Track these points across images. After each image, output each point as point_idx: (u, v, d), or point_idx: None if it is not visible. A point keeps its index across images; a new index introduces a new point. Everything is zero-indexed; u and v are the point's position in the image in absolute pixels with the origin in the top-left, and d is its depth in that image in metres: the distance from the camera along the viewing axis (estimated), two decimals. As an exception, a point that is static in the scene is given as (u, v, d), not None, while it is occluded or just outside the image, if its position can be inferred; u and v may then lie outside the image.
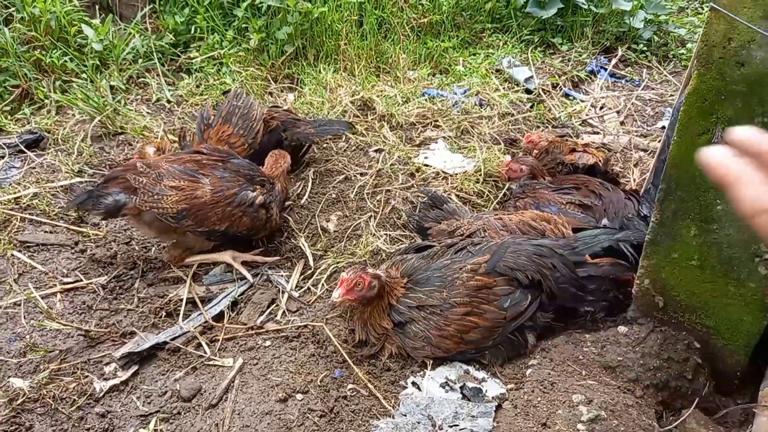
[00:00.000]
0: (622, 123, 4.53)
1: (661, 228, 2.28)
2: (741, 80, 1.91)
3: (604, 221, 2.93)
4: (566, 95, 4.79)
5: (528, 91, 4.65)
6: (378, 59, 4.65)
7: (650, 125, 4.46)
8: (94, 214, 2.81)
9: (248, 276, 2.93)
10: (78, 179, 3.49)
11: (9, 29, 4.03)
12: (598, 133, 4.38)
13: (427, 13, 4.91)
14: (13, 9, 4.18)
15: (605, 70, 5.15)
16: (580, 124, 4.42)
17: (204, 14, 4.56)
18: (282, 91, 4.42)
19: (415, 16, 4.90)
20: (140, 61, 4.44)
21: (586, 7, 5.39)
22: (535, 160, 3.38)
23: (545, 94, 4.67)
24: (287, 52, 4.54)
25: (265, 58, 4.54)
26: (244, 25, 4.65)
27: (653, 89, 4.95)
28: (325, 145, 3.85)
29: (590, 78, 5.07)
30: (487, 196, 3.49)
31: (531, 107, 4.47)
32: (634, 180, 3.72)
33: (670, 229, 2.25)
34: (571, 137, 4.24)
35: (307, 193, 3.46)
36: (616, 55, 5.32)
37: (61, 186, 3.42)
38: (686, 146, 2.11)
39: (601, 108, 4.72)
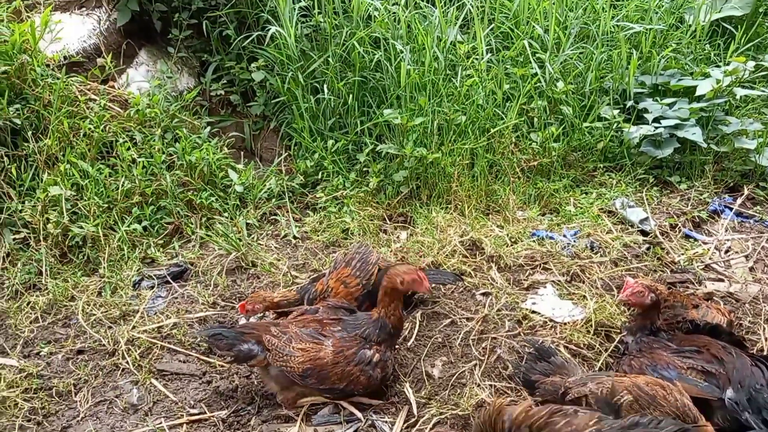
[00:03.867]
0: (751, 269, 4.25)
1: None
2: None
3: (729, 392, 2.72)
4: (686, 236, 4.61)
5: (643, 233, 4.55)
6: (488, 199, 4.84)
7: (785, 273, 4.14)
8: (226, 354, 3.13)
9: (358, 414, 3.07)
10: (212, 311, 3.89)
11: (170, 174, 4.75)
12: (722, 280, 4.13)
13: (537, 156, 5.09)
14: (174, 156, 4.95)
15: (730, 209, 4.93)
16: (702, 269, 4.21)
17: (331, 159, 5.08)
18: (395, 229, 4.71)
19: (525, 159, 5.09)
20: (273, 200, 4.99)
21: (705, 146, 5.30)
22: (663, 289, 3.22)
23: (663, 236, 4.54)
24: (402, 192, 4.89)
25: (381, 198, 4.91)
26: (365, 168, 5.11)
27: (786, 232, 4.63)
28: (433, 285, 3.98)
29: (713, 218, 4.87)
30: (598, 349, 3.38)
31: (647, 250, 4.36)
32: (766, 338, 3.42)
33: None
34: (693, 284, 4.04)
35: (414, 336, 3.56)
36: (742, 193, 5.10)
37: (197, 318, 3.82)
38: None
39: (727, 252, 4.48)
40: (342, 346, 3.05)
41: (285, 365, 3.01)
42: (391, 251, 4.32)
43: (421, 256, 4.22)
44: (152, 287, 4.14)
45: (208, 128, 5.30)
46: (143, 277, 4.21)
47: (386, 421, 3.03)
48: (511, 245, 4.31)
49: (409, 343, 3.50)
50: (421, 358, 3.40)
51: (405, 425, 3.02)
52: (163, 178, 4.72)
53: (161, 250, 4.51)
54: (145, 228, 4.55)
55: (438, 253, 4.23)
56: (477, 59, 5.36)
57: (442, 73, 5.24)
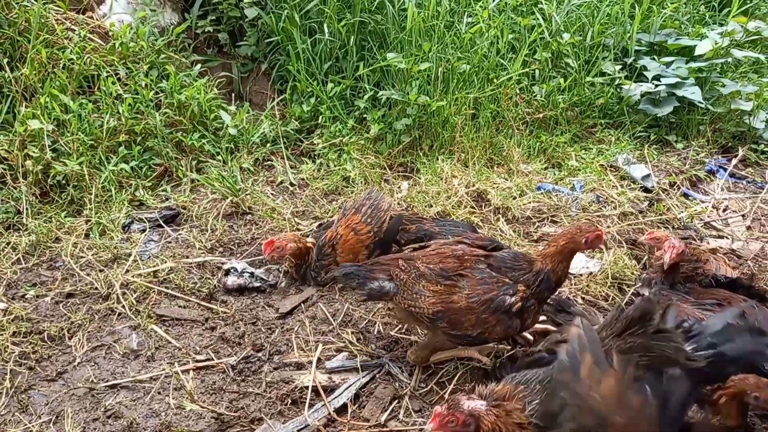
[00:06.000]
0: (748, 228, 4.30)
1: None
2: None
3: (753, 342, 2.72)
4: (685, 195, 4.63)
5: (646, 190, 4.54)
6: (492, 151, 4.73)
7: (782, 232, 4.21)
8: (358, 293, 2.89)
9: (484, 359, 2.92)
10: (210, 257, 3.69)
11: (158, 113, 4.45)
12: (724, 237, 4.17)
13: (542, 109, 4.99)
14: (162, 95, 4.62)
15: (725, 170, 4.97)
16: (703, 227, 4.24)
17: (329, 104, 4.85)
18: (397, 179, 4.56)
19: (528, 111, 4.99)
20: (268, 145, 4.75)
21: (703, 106, 5.30)
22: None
23: (663, 193, 4.55)
24: (404, 141, 4.72)
25: (382, 146, 4.73)
26: (363, 116, 4.90)
27: (781, 193, 4.70)
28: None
29: (709, 178, 4.91)
30: (613, 300, 3.36)
31: (650, 206, 4.35)
32: (773, 294, 3.47)
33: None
34: (695, 240, 4.06)
35: (426, 285, 3.46)
36: (736, 155, 5.15)
37: (195, 262, 3.62)
38: None
39: (725, 210, 4.52)
40: (479, 291, 2.68)
41: (414, 305, 2.72)
42: (395, 201, 4.18)
43: (427, 206, 4.09)
44: (143, 231, 3.89)
45: (198, 66, 4.96)
46: (133, 220, 3.96)
47: (403, 370, 2.94)
48: (518, 197, 4.23)
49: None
50: (435, 306, 3.31)
51: (423, 375, 2.94)
52: (152, 117, 4.42)
53: (150, 192, 4.25)
54: (132, 169, 4.27)
55: (444, 203, 4.11)
56: (482, 6, 5.16)
57: (444, 20, 5.03)
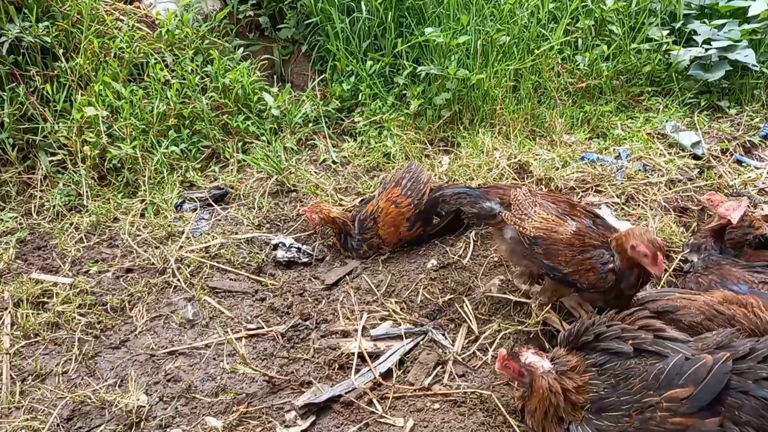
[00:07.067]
0: (806, 193, 4.12)
1: None
2: None
3: (807, 306, 2.64)
4: (738, 162, 4.46)
5: (696, 157, 4.40)
6: (533, 123, 4.68)
7: (840, 197, 4.01)
8: (468, 210, 3.00)
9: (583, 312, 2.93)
10: (258, 233, 3.82)
11: (205, 97, 4.60)
12: (779, 203, 4.01)
13: (585, 78, 4.89)
14: (207, 80, 4.77)
15: (782, 134, 4.76)
16: (757, 193, 4.08)
17: (368, 82, 4.89)
18: (438, 154, 4.58)
19: (571, 81, 4.89)
20: (310, 125, 4.84)
21: (757, 69, 5.07)
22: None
23: (715, 160, 4.40)
24: (444, 116, 4.72)
25: (422, 122, 4.75)
26: (403, 92, 4.92)
27: (841, 156, 4.48)
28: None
29: (764, 143, 4.70)
30: (660, 267, 3.30)
31: (700, 173, 4.22)
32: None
33: None
34: (748, 207, 3.92)
35: (468, 255, 3.50)
36: (794, 119, 4.91)
37: (244, 238, 3.76)
38: None
39: (781, 176, 4.34)
40: (585, 233, 2.72)
41: (520, 224, 2.78)
42: (436, 175, 4.20)
43: (469, 179, 4.10)
44: (194, 209, 4.06)
45: (241, 50, 5.09)
46: (184, 200, 4.13)
47: (447, 337, 3.00)
48: (561, 168, 4.18)
49: (464, 261, 3.44)
50: (478, 276, 3.34)
51: (466, 341, 2.99)
52: (198, 101, 4.57)
53: (199, 173, 4.42)
54: (182, 151, 4.44)
55: (486, 175, 4.11)
56: (521, -24, 5.07)
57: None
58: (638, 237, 2.51)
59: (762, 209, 3.91)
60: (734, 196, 4.04)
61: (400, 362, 2.89)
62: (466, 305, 3.15)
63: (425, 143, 4.66)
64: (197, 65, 4.80)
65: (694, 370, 2.07)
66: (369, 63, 4.92)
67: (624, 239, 2.59)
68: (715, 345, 2.19)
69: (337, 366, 2.87)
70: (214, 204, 4.11)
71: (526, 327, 2.96)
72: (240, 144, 4.63)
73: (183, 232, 3.80)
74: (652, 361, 2.20)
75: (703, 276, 2.97)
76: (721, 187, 4.10)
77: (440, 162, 4.47)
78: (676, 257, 3.36)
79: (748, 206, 3.76)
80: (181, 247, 3.67)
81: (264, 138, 4.66)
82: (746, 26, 5.20)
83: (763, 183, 4.22)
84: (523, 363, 2.33)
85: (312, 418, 2.60)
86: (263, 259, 3.62)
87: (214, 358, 2.95)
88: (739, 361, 2.08)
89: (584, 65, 4.93)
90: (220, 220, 3.99)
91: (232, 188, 4.27)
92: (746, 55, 5.05)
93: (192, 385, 2.78)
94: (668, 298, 2.66)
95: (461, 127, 4.71)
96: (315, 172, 4.46)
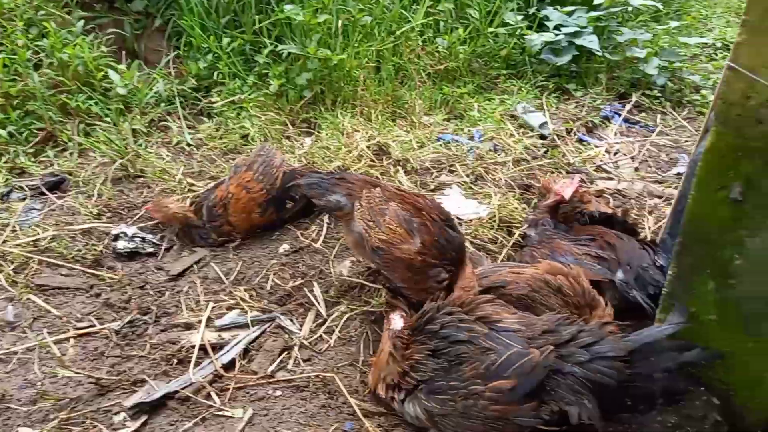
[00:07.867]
0: (636, 169, 4.52)
1: (678, 281, 2.25)
2: (760, 138, 1.91)
3: (619, 273, 2.89)
4: (580, 141, 4.79)
5: (542, 137, 4.67)
6: (394, 104, 4.72)
7: (665, 171, 4.44)
8: (316, 202, 2.90)
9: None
10: (97, 222, 3.54)
11: (38, 74, 4.16)
12: (612, 179, 4.36)
13: (444, 60, 5.00)
14: (42, 54, 4.32)
15: (619, 115, 5.17)
16: (594, 170, 4.41)
17: (227, 60, 4.68)
18: (299, 135, 4.49)
19: (431, 63, 4.98)
20: (162, 105, 4.55)
21: (600, 54, 5.45)
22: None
23: (560, 139, 4.69)
24: (306, 97, 4.63)
25: (283, 102, 4.63)
26: (264, 71, 4.76)
27: (668, 135, 4.95)
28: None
29: (604, 124, 5.08)
30: (501, 242, 3.48)
31: (545, 153, 4.48)
32: (649, 228, 3.68)
33: (687, 283, 2.22)
34: (585, 183, 4.23)
35: (321, 238, 3.47)
36: (630, 101, 5.34)
37: (80, 229, 3.47)
38: (704, 202, 2.09)
39: (616, 154, 4.72)
40: (428, 250, 2.65)
41: (367, 230, 2.69)
42: (295, 157, 4.13)
43: (327, 161, 4.06)
44: (24, 199, 3.69)
45: (81, 22, 4.65)
46: (12, 189, 3.74)
47: (294, 322, 2.96)
48: (418, 149, 4.26)
49: (317, 245, 3.41)
50: (329, 259, 3.32)
51: (314, 325, 2.97)
52: (30, 78, 4.13)
53: (32, 159, 4.01)
54: (11, 134, 4.00)
55: (345, 158, 4.09)
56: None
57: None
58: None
59: (596, 185, 4.24)
60: (572, 173, 4.34)
61: (245, 351, 2.81)
62: (316, 289, 3.13)
63: (286, 124, 4.55)
64: (30, 39, 4.32)
65: (520, 365, 2.14)
66: (226, 40, 4.70)
67: None
68: (541, 331, 2.31)
69: (175, 361, 2.74)
70: (47, 192, 3.75)
71: (371, 307, 2.99)
72: (81, 126, 4.25)
73: (8, 225, 3.43)
74: (485, 350, 2.25)
75: (536, 250, 3.15)
76: (562, 165, 4.38)
77: (301, 144, 4.39)
78: (516, 232, 3.55)
79: (580, 183, 4.06)
80: (4, 241, 3.32)
81: (109, 119, 4.32)
82: (592, 14, 5.57)
83: (600, 160, 4.56)
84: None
85: (143, 418, 2.46)
86: (101, 251, 3.37)
87: (36, 363, 2.70)
88: (562, 345, 2.19)
89: (443, 48, 5.03)
90: (54, 210, 3.65)
91: (70, 175, 3.92)
92: (591, 41, 5.41)
93: (6, 394, 2.53)
94: (499, 273, 2.79)
95: (323, 109, 4.65)
96: (168, 156, 4.21)
